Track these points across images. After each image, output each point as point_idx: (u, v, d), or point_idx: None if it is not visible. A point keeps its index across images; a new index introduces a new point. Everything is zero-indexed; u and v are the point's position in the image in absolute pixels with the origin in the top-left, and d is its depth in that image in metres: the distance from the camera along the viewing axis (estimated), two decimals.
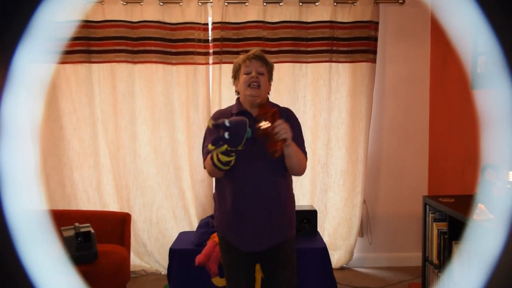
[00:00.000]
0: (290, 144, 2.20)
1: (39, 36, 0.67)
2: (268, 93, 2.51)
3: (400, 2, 4.29)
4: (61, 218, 3.70)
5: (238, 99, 2.49)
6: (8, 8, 0.65)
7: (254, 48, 2.61)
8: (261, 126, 2.12)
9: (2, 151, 0.69)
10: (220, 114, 2.46)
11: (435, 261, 3.27)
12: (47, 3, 0.67)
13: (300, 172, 2.45)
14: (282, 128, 2.12)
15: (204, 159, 2.41)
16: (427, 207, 3.41)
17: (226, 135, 2.05)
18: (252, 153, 2.29)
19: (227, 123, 2.04)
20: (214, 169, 2.27)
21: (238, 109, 2.43)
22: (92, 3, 4.09)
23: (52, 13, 0.68)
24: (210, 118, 2.52)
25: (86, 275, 3.06)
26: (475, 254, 2.74)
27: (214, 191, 2.55)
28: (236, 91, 2.51)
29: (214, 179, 2.53)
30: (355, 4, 4.20)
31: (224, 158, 2.18)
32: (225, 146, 2.09)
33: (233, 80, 2.50)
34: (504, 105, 0.69)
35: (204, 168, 2.43)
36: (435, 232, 3.28)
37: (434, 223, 3.30)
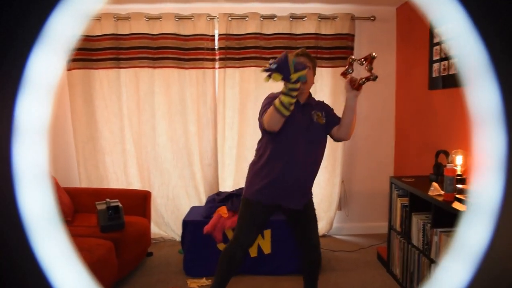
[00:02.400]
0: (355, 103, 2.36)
1: (53, 41, 0.64)
2: (312, 85, 2.50)
3: (372, 19, 4.33)
4: (96, 195, 3.74)
5: None
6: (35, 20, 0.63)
7: (301, 48, 2.59)
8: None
9: (18, 149, 0.65)
10: (273, 95, 2.45)
11: (398, 229, 3.32)
12: (59, 12, 0.63)
13: (351, 131, 2.45)
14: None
15: (262, 115, 2.36)
16: (393, 185, 3.44)
17: (273, 65, 2.01)
18: (302, 133, 2.38)
19: (270, 61, 2.04)
20: (275, 117, 2.19)
21: None
22: (120, 20, 4.13)
23: (65, 21, 0.64)
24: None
25: (116, 240, 3.13)
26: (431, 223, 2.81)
27: (255, 164, 2.51)
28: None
29: (256, 154, 2.52)
30: (335, 20, 4.22)
31: (286, 100, 2.12)
32: (280, 76, 2.02)
33: None
34: (477, 101, 0.68)
35: (261, 126, 2.40)
36: (398, 205, 3.31)
37: (398, 199, 3.33)
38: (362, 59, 2.35)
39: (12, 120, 0.65)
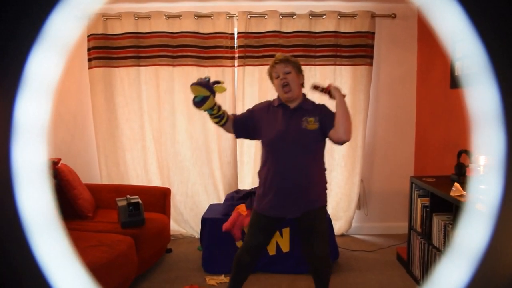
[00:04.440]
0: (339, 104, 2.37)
1: (52, 41, 0.63)
2: (303, 85, 2.51)
3: (392, 16, 4.28)
4: (116, 191, 3.78)
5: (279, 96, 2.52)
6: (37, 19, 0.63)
7: (277, 54, 2.63)
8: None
9: (16, 149, 0.64)
10: (261, 104, 2.61)
11: (419, 229, 3.28)
12: (58, 13, 0.63)
13: (346, 131, 2.35)
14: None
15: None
16: (413, 185, 3.39)
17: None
18: (287, 140, 2.38)
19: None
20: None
21: (279, 102, 2.49)
22: (140, 18, 4.17)
23: (64, 22, 0.64)
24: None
25: (136, 236, 3.16)
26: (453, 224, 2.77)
27: (258, 172, 2.57)
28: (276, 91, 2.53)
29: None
30: (355, 17, 4.19)
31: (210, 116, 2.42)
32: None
33: (272, 83, 2.54)
34: (478, 102, 0.68)
35: None
36: (419, 206, 3.27)
37: (419, 199, 3.28)
38: (321, 89, 2.46)
39: (12, 120, 0.65)
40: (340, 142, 2.42)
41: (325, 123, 2.42)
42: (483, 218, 0.68)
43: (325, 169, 2.56)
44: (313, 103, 2.52)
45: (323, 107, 2.50)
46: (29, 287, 0.69)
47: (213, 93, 2.30)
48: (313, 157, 2.45)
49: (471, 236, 0.68)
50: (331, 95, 2.44)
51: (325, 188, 2.55)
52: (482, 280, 0.68)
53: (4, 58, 0.65)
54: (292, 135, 2.39)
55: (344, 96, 2.41)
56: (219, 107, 2.40)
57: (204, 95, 2.27)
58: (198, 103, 2.29)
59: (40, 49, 0.64)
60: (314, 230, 2.47)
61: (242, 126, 2.52)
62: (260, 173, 2.53)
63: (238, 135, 2.57)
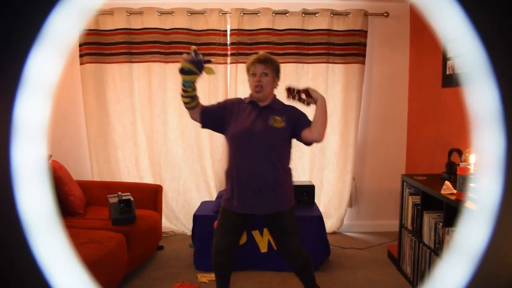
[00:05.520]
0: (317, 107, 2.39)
1: (52, 41, 0.63)
2: (276, 87, 2.53)
3: (385, 15, 4.29)
4: (108, 188, 3.77)
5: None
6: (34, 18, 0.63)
7: (261, 51, 2.63)
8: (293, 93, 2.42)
9: (15, 149, 0.64)
10: (234, 99, 2.68)
11: (409, 227, 3.30)
12: (58, 12, 0.63)
13: (321, 133, 2.40)
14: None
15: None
16: (404, 183, 3.41)
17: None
18: (253, 137, 2.40)
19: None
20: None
21: (249, 100, 2.52)
22: (133, 14, 4.14)
23: (64, 21, 0.64)
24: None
25: (127, 233, 3.15)
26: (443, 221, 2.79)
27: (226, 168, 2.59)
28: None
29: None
30: (348, 16, 4.20)
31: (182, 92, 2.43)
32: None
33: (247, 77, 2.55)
34: (476, 101, 0.68)
35: None
36: (410, 204, 3.29)
37: (410, 197, 3.31)
38: (296, 91, 2.44)
39: (11, 120, 0.65)
40: (310, 143, 2.50)
41: (297, 123, 2.46)
42: (482, 217, 0.67)
43: (290, 169, 2.56)
44: (282, 103, 2.55)
45: (292, 108, 2.53)
46: (29, 286, 0.69)
47: (200, 71, 2.33)
48: (278, 156, 2.45)
49: (471, 236, 0.68)
50: (307, 99, 2.43)
51: (292, 189, 2.57)
52: (482, 281, 0.68)
53: (4, 57, 0.64)
54: (258, 132, 2.40)
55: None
56: (196, 89, 2.43)
57: (191, 69, 2.30)
58: (184, 71, 2.31)
59: (40, 48, 0.64)
60: (285, 231, 2.51)
61: (210, 116, 2.53)
62: (227, 172, 2.53)
63: (204, 125, 2.56)
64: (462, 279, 0.68)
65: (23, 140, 0.66)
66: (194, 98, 2.45)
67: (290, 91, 2.43)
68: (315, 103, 2.41)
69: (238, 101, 2.58)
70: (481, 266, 0.67)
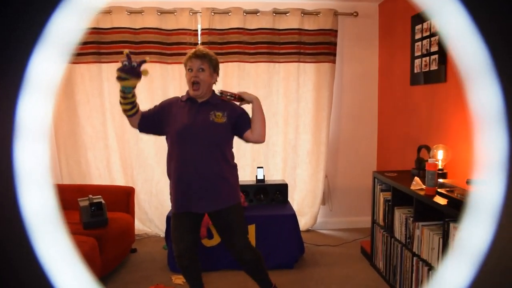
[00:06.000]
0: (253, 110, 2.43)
1: (54, 41, 0.63)
2: (215, 82, 2.50)
3: (355, 15, 4.35)
4: (78, 191, 3.69)
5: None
6: (23, 17, 0.63)
7: (200, 46, 2.58)
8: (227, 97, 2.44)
9: (18, 149, 0.65)
10: (170, 99, 2.61)
11: (381, 223, 3.35)
12: (61, 12, 0.64)
13: (261, 134, 2.46)
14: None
15: None
16: (376, 180, 3.46)
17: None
18: (193, 133, 2.37)
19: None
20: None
21: (187, 97, 2.48)
22: (101, 13, 4.08)
23: (67, 21, 0.64)
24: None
25: (99, 237, 3.10)
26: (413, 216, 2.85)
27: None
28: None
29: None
30: (318, 15, 4.24)
31: (120, 99, 2.36)
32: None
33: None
34: (478, 100, 0.67)
35: None
36: (381, 200, 3.34)
37: (381, 193, 3.35)
38: (229, 95, 2.46)
39: (14, 120, 0.65)
40: (252, 142, 2.52)
41: (238, 122, 2.47)
42: (485, 216, 0.68)
43: (234, 165, 2.56)
44: (221, 100, 2.52)
45: (232, 105, 2.52)
46: (31, 286, 0.69)
47: (138, 76, 2.24)
48: (221, 152, 2.44)
49: (474, 235, 0.69)
50: (241, 103, 2.49)
51: (237, 185, 2.56)
52: (486, 281, 0.69)
53: (5, 57, 0.63)
54: (199, 128, 2.38)
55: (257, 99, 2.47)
56: (135, 95, 2.36)
57: (127, 77, 2.22)
58: (121, 78, 2.22)
59: (42, 48, 0.64)
60: (229, 227, 2.51)
61: (148, 120, 2.49)
62: (168, 172, 2.51)
63: (142, 129, 2.52)
64: (465, 279, 0.68)
65: (26, 139, 0.66)
66: (135, 104, 2.39)
67: (223, 95, 2.44)
68: (251, 104, 2.46)
69: (175, 100, 2.54)
70: (484, 266, 0.68)
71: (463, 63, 0.67)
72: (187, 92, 2.49)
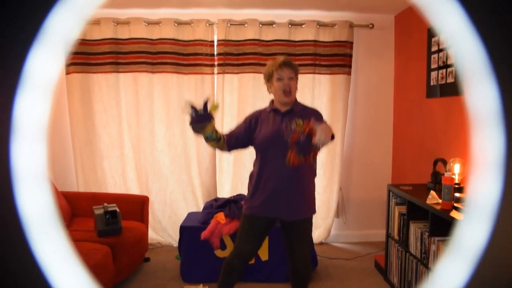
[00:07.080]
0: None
1: (52, 39, 0.63)
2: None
3: (370, 27, 4.34)
4: (93, 199, 3.73)
5: (272, 100, 2.56)
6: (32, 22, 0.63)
7: (281, 56, 2.57)
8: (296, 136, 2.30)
9: (15, 149, 0.64)
10: (255, 112, 2.61)
11: (396, 237, 3.31)
12: (58, 10, 0.63)
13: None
14: (320, 139, 2.15)
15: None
16: (391, 193, 3.43)
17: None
18: (278, 142, 2.38)
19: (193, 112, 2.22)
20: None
21: (271, 108, 2.53)
22: (120, 24, 4.14)
23: (64, 19, 0.64)
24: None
25: (113, 245, 3.12)
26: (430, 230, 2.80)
27: (250, 175, 2.59)
28: (269, 91, 2.57)
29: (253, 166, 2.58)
30: (334, 27, 4.24)
31: (207, 142, 2.40)
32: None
33: (266, 83, 2.54)
34: (476, 104, 0.68)
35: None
36: (396, 213, 3.30)
37: (396, 207, 3.32)
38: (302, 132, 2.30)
39: (11, 120, 0.64)
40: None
41: None
42: (482, 217, 0.67)
43: (315, 174, 2.59)
44: (303, 105, 2.58)
45: (313, 111, 2.55)
46: (29, 287, 0.69)
47: (209, 119, 2.25)
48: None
49: (471, 236, 0.68)
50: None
51: (314, 195, 2.60)
52: (482, 281, 0.68)
53: (2, 56, 0.64)
54: (283, 138, 2.40)
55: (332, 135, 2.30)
56: (217, 131, 2.39)
57: (203, 127, 2.25)
58: (197, 130, 2.26)
59: (39, 47, 0.64)
60: (301, 238, 2.53)
61: (237, 141, 2.54)
62: (252, 175, 2.55)
63: (231, 150, 2.58)
64: (462, 279, 0.68)
65: (23, 139, 0.65)
66: (220, 138, 2.42)
67: (296, 133, 2.32)
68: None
69: (259, 113, 2.59)
70: (481, 266, 0.68)
71: (462, 63, 0.67)
72: (271, 102, 2.55)
